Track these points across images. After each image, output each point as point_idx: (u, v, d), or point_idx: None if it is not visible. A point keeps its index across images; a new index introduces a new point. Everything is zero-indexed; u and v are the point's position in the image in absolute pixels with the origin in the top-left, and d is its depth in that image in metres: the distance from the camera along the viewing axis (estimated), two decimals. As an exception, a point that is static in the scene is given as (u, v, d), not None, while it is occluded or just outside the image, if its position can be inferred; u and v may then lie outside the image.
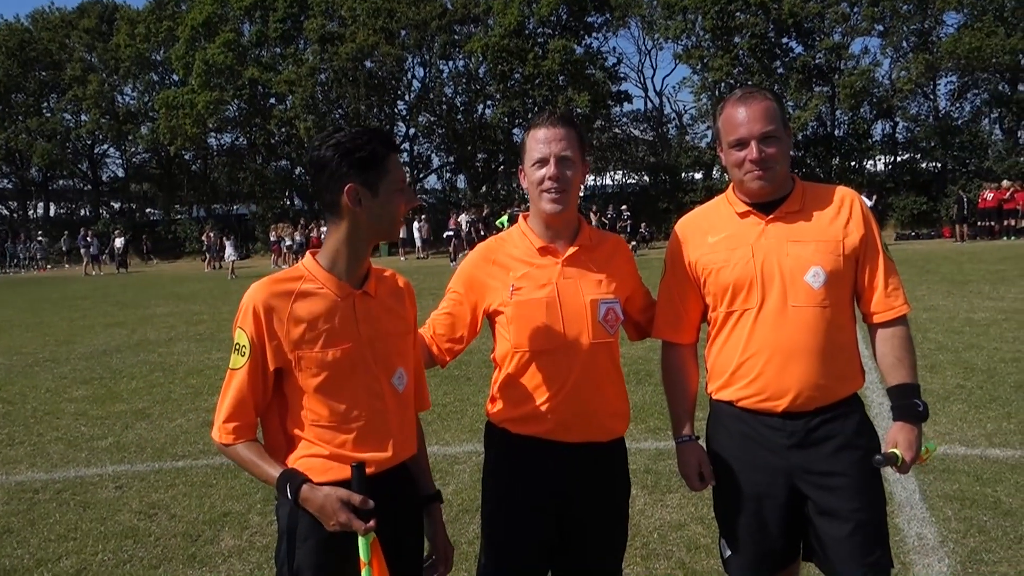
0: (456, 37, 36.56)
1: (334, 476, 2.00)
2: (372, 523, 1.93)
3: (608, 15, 35.93)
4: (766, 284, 2.34)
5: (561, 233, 2.42)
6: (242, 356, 2.04)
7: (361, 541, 1.95)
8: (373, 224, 2.07)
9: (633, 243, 28.62)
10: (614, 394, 2.44)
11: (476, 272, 2.47)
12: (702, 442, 2.56)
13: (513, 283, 2.37)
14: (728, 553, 2.53)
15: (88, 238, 34.53)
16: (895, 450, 2.28)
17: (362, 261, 2.12)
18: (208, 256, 33.28)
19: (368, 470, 2.01)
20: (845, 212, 2.37)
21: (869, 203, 21.54)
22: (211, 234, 33.48)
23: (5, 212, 49.48)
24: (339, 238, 2.09)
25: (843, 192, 2.43)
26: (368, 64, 36.10)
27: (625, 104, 37.43)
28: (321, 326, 2.03)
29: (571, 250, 2.41)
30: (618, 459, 2.50)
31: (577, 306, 2.35)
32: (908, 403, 2.33)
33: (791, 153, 2.47)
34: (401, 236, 32.11)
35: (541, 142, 2.34)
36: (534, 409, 2.36)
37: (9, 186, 48.46)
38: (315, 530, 2.00)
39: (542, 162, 2.33)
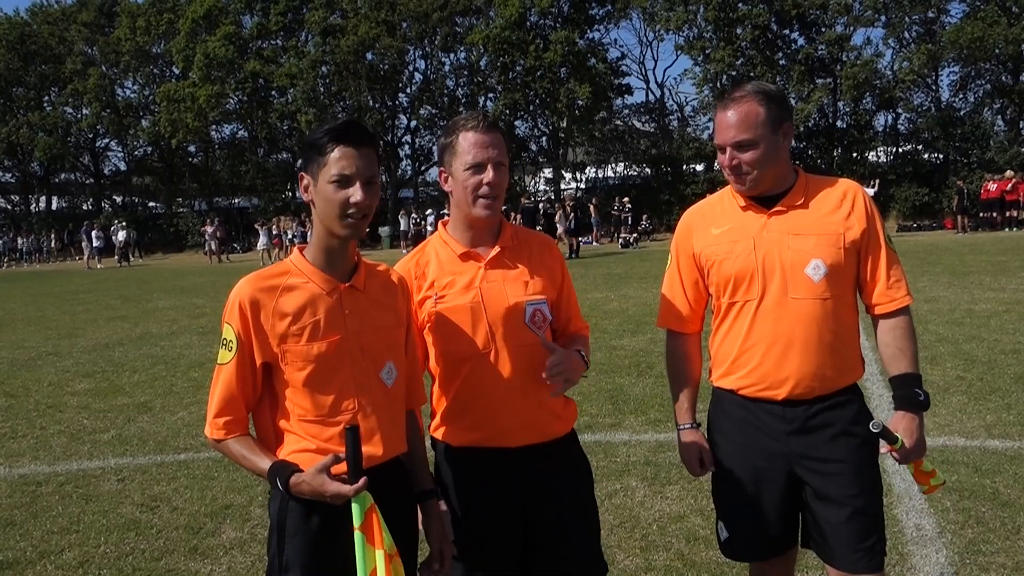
0: (457, 29, 36.46)
1: None
2: (361, 482, 1.89)
3: (610, 7, 35.83)
4: (767, 276, 2.37)
5: (484, 236, 2.38)
6: (229, 351, 2.05)
7: (354, 506, 1.90)
8: (320, 216, 2.05)
9: (635, 235, 28.67)
10: (549, 395, 2.33)
11: None
12: (703, 429, 2.60)
13: (436, 292, 2.33)
14: (726, 535, 2.56)
15: (94, 232, 34.68)
16: (897, 435, 2.31)
17: (341, 253, 2.10)
18: (211, 248, 33.36)
19: None
20: (847, 205, 2.39)
21: (871, 191, 21.31)
22: (216, 228, 33.73)
23: (7, 206, 49.53)
24: (314, 230, 2.11)
25: (846, 185, 2.45)
26: (370, 56, 36.04)
27: (627, 96, 37.41)
28: (306, 320, 2.04)
29: (493, 252, 2.36)
30: (568, 454, 2.44)
31: (502, 309, 2.30)
32: (909, 392, 2.36)
33: (790, 145, 2.48)
34: (401, 228, 32.23)
35: (477, 147, 2.27)
36: (469, 417, 2.33)
37: (11, 180, 48.49)
38: (304, 525, 2.00)
39: (478, 167, 2.27)
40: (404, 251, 30.29)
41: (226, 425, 2.06)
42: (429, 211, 30.80)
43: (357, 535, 1.89)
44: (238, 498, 4.87)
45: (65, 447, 6.21)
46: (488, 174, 2.27)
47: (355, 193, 2.00)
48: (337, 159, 2.00)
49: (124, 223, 37.96)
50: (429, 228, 28.37)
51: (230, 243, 35.99)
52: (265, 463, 2.01)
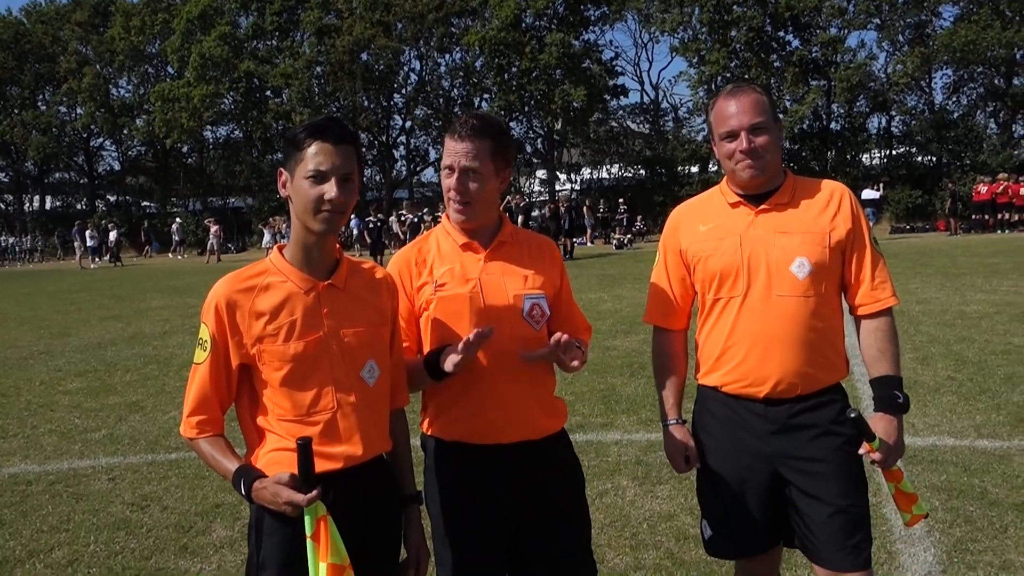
0: (453, 30, 36.55)
1: None
2: (314, 493, 1.87)
3: (605, 8, 35.92)
4: (752, 273, 2.38)
5: (481, 232, 2.38)
6: (204, 351, 2.04)
7: (306, 516, 1.90)
8: (296, 211, 2.04)
9: (628, 236, 28.70)
10: (544, 391, 2.38)
11: (402, 282, 2.38)
12: (689, 427, 2.60)
13: (436, 280, 2.32)
14: (710, 533, 2.57)
15: (87, 231, 34.54)
16: (875, 433, 2.31)
17: (319, 251, 2.08)
18: (213, 248, 33.23)
19: (336, 465, 2.00)
20: (833, 205, 2.41)
21: (876, 194, 21.56)
22: (219, 228, 33.73)
23: (1, 205, 49.42)
24: (291, 228, 2.10)
25: (832, 186, 2.47)
26: (365, 57, 36.09)
27: (622, 98, 37.49)
28: (283, 319, 2.02)
29: (493, 244, 2.37)
30: (559, 453, 2.43)
31: (500, 301, 2.30)
32: (888, 395, 2.37)
33: (783, 146, 2.49)
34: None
35: (448, 153, 2.28)
36: (460, 410, 2.31)
37: (5, 179, 48.41)
38: (280, 526, 1.99)
39: (449, 170, 2.29)
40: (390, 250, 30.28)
41: (199, 424, 2.06)
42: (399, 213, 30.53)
43: (309, 543, 1.90)
44: (228, 497, 4.86)
45: (56, 446, 6.19)
46: (452, 179, 2.27)
47: (330, 189, 1.98)
48: (314, 154, 1.99)
49: (116, 222, 37.79)
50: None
51: (225, 243, 35.90)
52: (232, 465, 2.01)
